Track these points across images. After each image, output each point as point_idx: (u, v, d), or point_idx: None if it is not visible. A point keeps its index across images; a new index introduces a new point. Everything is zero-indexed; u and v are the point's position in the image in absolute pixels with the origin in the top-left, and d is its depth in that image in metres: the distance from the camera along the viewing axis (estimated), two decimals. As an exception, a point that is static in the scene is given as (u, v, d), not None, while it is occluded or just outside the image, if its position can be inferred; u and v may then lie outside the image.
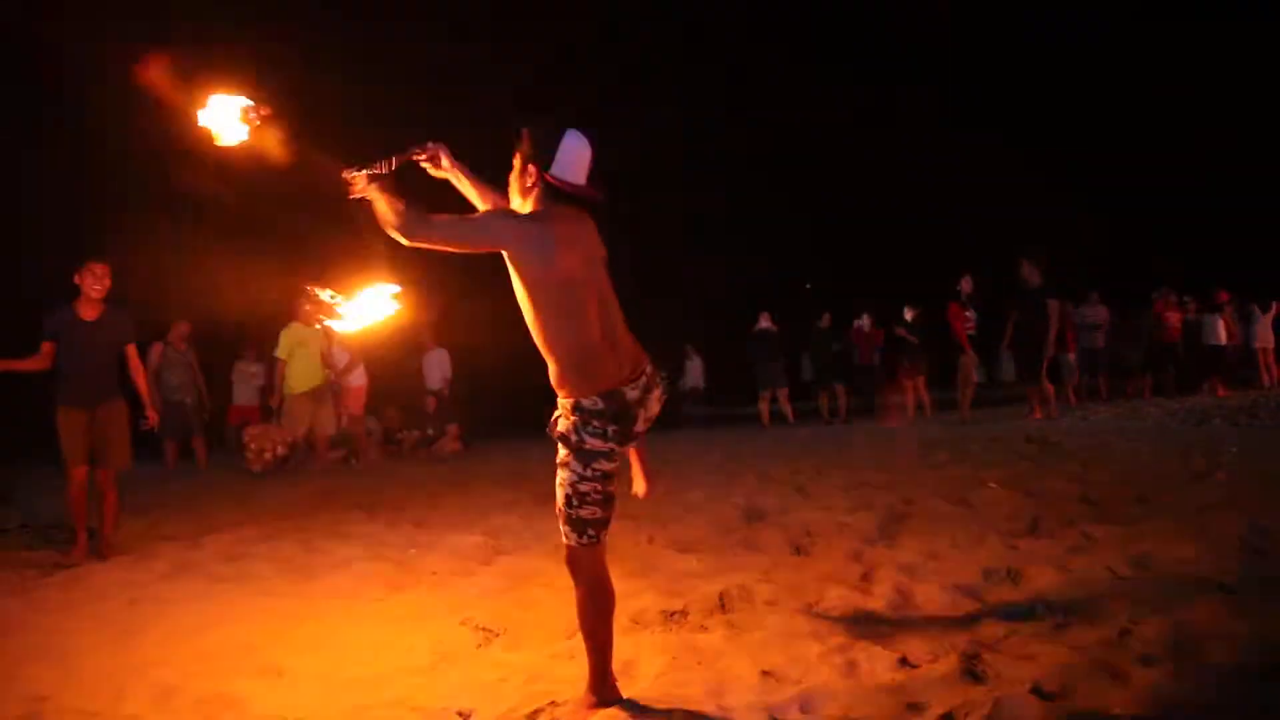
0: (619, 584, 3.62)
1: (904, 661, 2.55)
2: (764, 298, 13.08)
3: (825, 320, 12.51)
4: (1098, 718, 2.06)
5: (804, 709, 2.27)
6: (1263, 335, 12.93)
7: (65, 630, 3.49)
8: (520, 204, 2.45)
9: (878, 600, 3.21)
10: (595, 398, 2.32)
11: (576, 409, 2.32)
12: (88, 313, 5.17)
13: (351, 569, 4.33)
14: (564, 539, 2.38)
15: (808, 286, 17.97)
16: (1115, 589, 3.01)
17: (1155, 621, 2.65)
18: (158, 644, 3.23)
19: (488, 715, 2.41)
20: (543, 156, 2.39)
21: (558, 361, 2.35)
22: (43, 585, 4.40)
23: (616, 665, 2.49)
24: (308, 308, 8.68)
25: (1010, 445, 7.23)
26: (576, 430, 2.32)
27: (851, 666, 2.57)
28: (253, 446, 8.72)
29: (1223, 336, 12.38)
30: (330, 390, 9.85)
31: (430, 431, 10.86)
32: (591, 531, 2.34)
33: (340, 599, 3.77)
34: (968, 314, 10.09)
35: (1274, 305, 12.87)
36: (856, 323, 12.93)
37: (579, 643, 2.49)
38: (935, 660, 2.51)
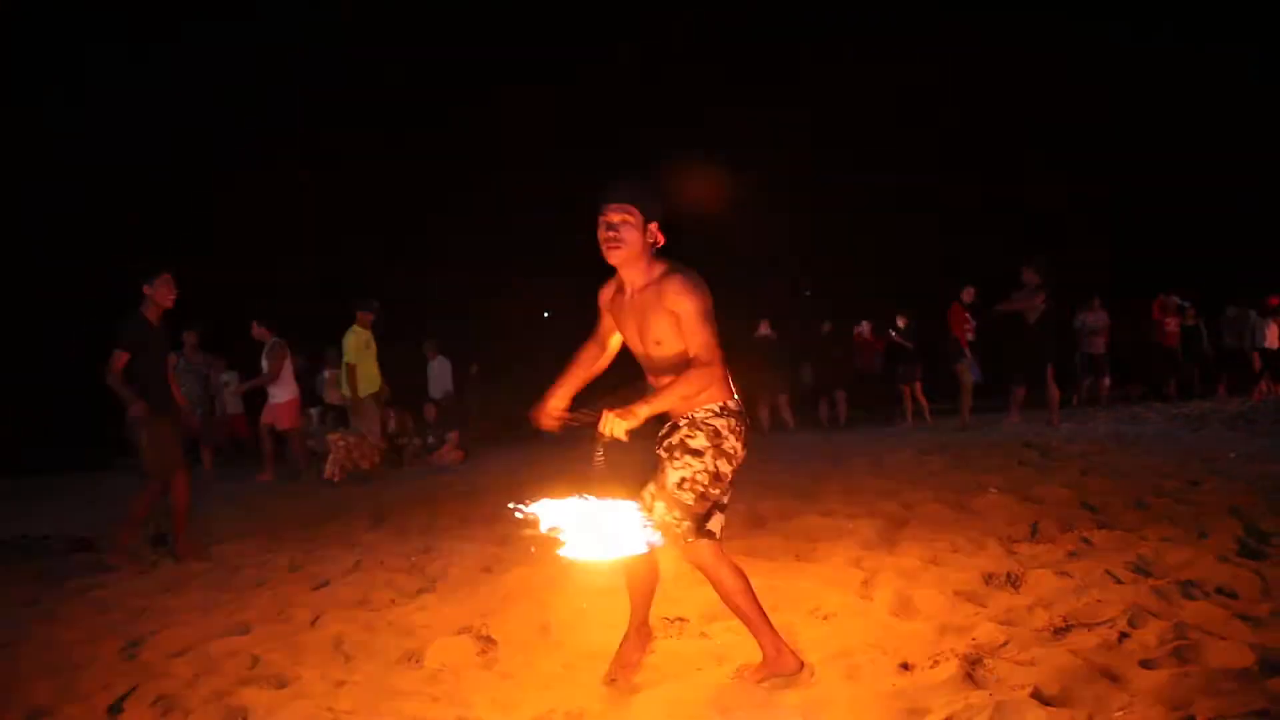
0: (620, 592, 3.65)
1: (905, 666, 2.57)
2: (763, 304, 13.10)
3: (827, 327, 12.51)
4: (1098, 721, 2.07)
5: (806, 714, 2.29)
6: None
7: (67, 641, 3.50)
8: (639, 258, 2.59)
9: (878, 605, 3.22)
10: (736, 398, 2.64)
11: (724, 412, 2.59)
12: (157, 322, 5.28)
13: (357, 577, 4.34)
14: (685, 541, 2.57)
15: (806, 293, 17.97)
16: (1115, 593, 3.02)
17: (1155, 625, 2.66)
18: (160, 655, 3.24)
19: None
20: (659, 212, 2.61)
21: (712, 373, 2.55)
22: (46, 596, 4.41)
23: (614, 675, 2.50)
24: (363, 313, 8.73)
25: (1010, 451, 7.25)
26: (718, 433, 2.58)
27: (853, 671, 2.59)
28: (345, 456, 8.54)
29: (1275, 340, 12.46)
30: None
31: (430, 439, 10.88)
32: (711, 525, 2.62)
33: (345, 608, 3.78)
34: (969, 323, 10.15)
35: None
36: (856, 329, 12.95)
37: (583, 654, 2.53)
38: (936, 665, 2.53)
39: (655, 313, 2.58)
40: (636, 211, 2.54)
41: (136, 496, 5.31)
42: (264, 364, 9.04)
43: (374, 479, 8.62)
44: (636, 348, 2.73)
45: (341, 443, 8.61)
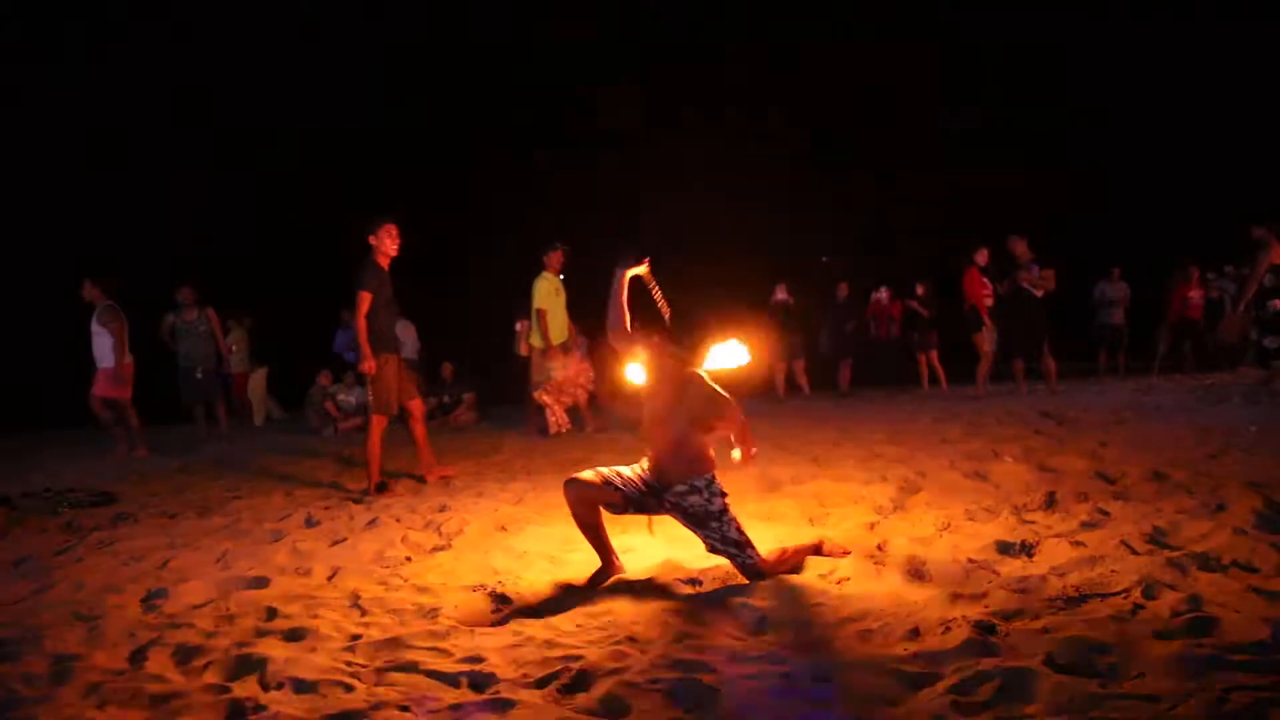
0: (637, 552, 3.67)
1: (916, 632, 2.58)
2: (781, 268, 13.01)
3: (843, 291, 12.36)
4: (1110, 691, 2.07)
5: (817, 677, 2.30)
6: None
7: (92, 591, 3.58)
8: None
9: (891, 571, 3.23)
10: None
11: (713, 482, 3.28)
12: (386, 268, 5.79)
13: (374, 534, 4.40)
14: (748, 569, 3.20)
15: (825, 259, 17.83)
16: (1130, 564, 3.01)
17: (1170, 597, 2.65)
18: (182, 606, 3.30)
19: (504, 677, 2.45)
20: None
21: (706, 448, 3.30)
22: (72, 548, 4.50)
23: (628, 634, 2.52)
24: (552, 255, 8.30)
25: (1027, 420, 7.21)
26: (718, 495, 3.28)
27: (864, 636, 2.60)
28: (557, 403, 8.29)
29: None
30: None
31: (446, 399, 10.94)
32: (750, 545, 3.25)
33: (362, 564, 3.84)
34: (986, 289, 9.98)
35: None
36: (875, 295, 12.84)
37: (596, 612, 2.62)
38: (948, 631, 2.53)
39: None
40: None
41: (368, 437, 5.79)
42: (95, 327, 8.32)
43: (585, 423, 8.58)
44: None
45: (547, 398, 8.27)
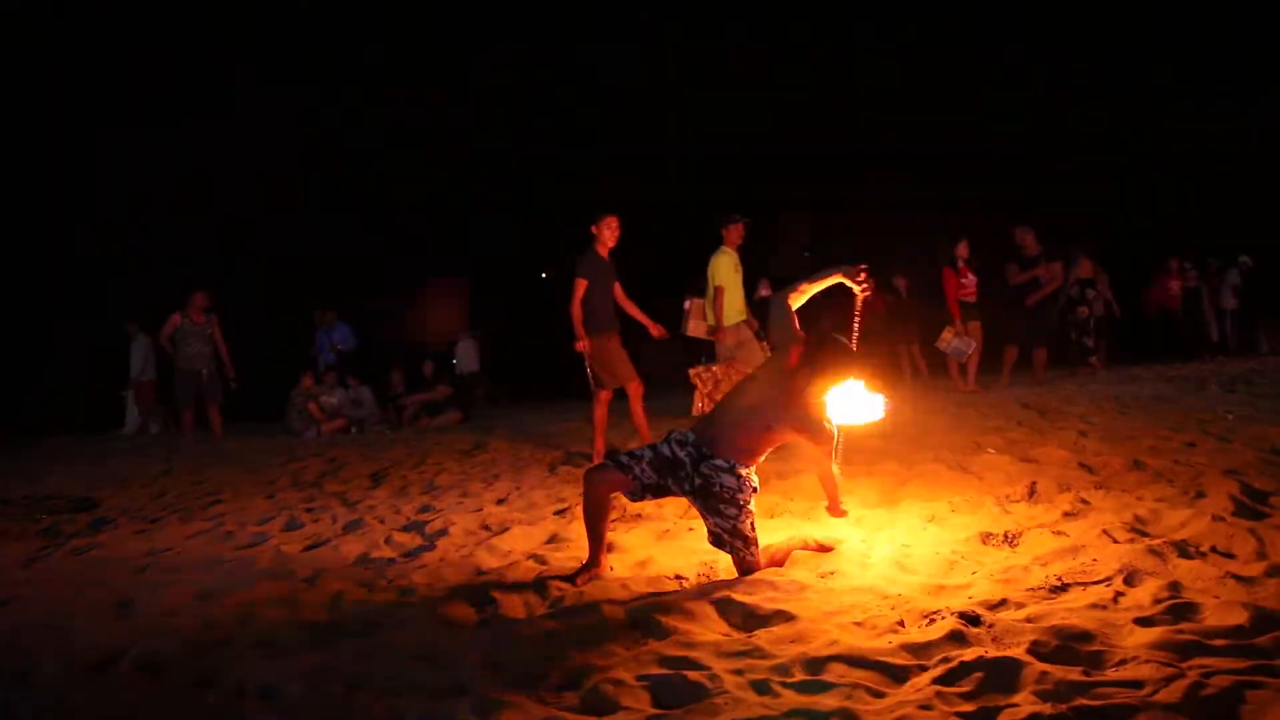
0: (622, 550, 3.67)
1: (901, 624, 2.59)
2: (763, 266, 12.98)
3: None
4: (1093, 679, 2.09)
5: (806, 669, 2.31)
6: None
7: (66, 599, 3.52)
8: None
9: (876, 564, 3.24)
10: None
11: (751, 474, 3.31)
12: (605, 256, 6.37)
13: (356, 536, 4.37)
14: (746, 565, 3.19)
15: (806, 254, 17.85)
16: (1111, 553, 3.04)
17: (1150, 584, 2.68)
18: (157, 612, 3.25)
19: (489, 677, 2.43)
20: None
21: (764, 450, 3.35)
22: (47, 554, 4.44)
23: (613, 631, 2.52)
24: (732, 228, 7.58)
25: (1008, 412, 7.26)
26: (749, 486, 3.29)
27: (850, 628, 2.61)
28: (713, 389, 7.61)
29: None
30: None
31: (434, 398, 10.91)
32: (755, 544, 3.24)
33: (344, 566, 3.81)
34: (965, 280, 9.99)
35: None
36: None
37: (581, 610, 2.60)
38: (932, 622, 2.55)
39: None
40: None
41: (592, 410, 6.37)
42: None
43: None
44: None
45: (707, 374, 7.64)
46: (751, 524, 3.25)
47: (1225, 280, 13.34)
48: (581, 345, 6.23)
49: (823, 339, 3.28)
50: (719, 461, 3.26)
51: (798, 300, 3.50)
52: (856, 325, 3.58)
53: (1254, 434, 5.32)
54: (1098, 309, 12.49)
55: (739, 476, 3.25)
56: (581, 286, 6.22)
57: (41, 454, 9.42)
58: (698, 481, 3.27)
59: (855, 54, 19.29)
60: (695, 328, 8.56)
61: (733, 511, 3.22)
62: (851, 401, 3.34)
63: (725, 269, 7.57)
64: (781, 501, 4.50)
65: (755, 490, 3.33)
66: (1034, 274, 9.50)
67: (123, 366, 11.75)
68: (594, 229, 6.35)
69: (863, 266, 3.51)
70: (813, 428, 3.26)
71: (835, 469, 3.53)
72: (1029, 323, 9.75)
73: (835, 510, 3.62)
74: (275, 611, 3.15)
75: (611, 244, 6.36)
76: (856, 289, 3.56)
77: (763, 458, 3.36)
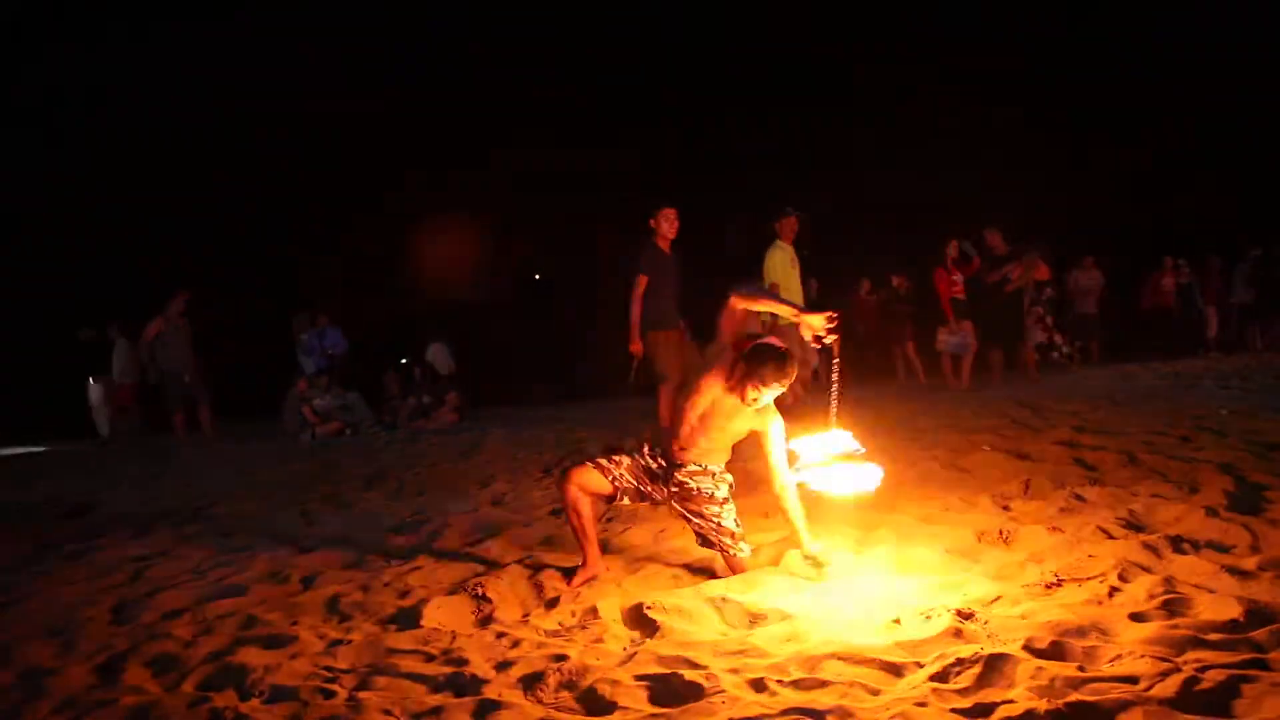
0: (626, 553, 3.67)
1: (898, 621, 2.59)
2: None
3: (813, 287, 12.29)
4: (1089, 674, 2.09)
5: (802, 667, 2.31)
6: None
7: (65, 603, 3.52)
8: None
9: (873, 562, 3.25)
10: None
11: (723, 470, 3.38)
12: (666, 249, 6.21)
13: (352, 538, 4.36)
14: (735, 560, 3.24)
15: (804, 253, 17.80)
16: (1106, 548, 3.04)
17: (1145, 579, 2.68)
18: (157, 616, 3.25)
19: (487, 678, 2.43)
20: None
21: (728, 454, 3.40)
22: (44, 559, 4.42)
23: (610, 631, 2.52)
24: (785, 221, 7.31)
25: (1003, 409, 7.27)
26: (725, 482, 3.35)
27: (847, 626, 2.61)
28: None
29: None
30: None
31: (426, 399, 10.87)
32: (743, 539, 3.30)
33: (340, 568, 3.80)
34: (955, 278, 10.01)
35: None
36: (855, 290, 12.86)
37: (577, 610, 2.76)
38: (928, 619, 2.55)
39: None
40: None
41: (660, 402, 6.19)
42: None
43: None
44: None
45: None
46: (735, 519, 3.30)
47: (1237, 274, 13.20)
48: (635, 347, 6.01)
49: (759, 349, 3.10)
50: (690, 467, 3.33)
51: (748, 306, 3.32)
52: (836, 372, 3.26)
53: (1248, 429, 5.34)
54: (1088, 308, 12.58)
55: (712, 475, 3.33)
56: (642, 283, 5.99)
57: (33, 460, 9.39)
58: (673, 489, 3.35)
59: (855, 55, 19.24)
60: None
61: (713, 509, 3.29)
62: (844, 472, 3.23)
63: (781, 264, 7.28)
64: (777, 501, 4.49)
65: (732, 485, 3.38)
66: (1005, 272, 9.51)
67: (95, 369, 11.59)
68: (651, 222, 6.15)
69: (833, 315, 3.16)
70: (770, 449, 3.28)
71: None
72: (985, 324, 9.75)
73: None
74: (272, 614, 3.15)
75: (671, 235, 6.16)
76: (813, 339, 3.21)
77: (728, 455, 3.41)
